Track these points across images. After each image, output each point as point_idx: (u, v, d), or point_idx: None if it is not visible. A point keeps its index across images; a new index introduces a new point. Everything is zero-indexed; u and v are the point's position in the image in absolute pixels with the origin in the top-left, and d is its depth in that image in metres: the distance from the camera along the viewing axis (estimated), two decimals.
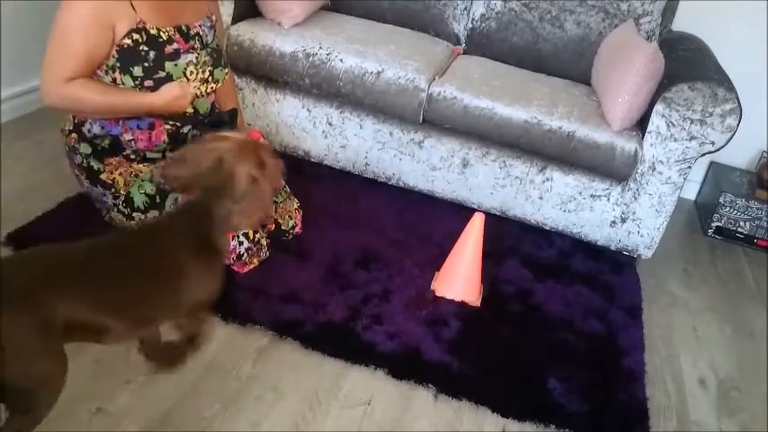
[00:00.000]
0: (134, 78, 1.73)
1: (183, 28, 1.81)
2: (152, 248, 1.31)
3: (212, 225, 1.33)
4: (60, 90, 1.69)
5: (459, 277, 1.96)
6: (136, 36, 1.70)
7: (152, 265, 1.29)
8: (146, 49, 1.72)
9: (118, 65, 1.72)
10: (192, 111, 1.86)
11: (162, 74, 1.75)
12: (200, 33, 1.85)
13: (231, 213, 1.33)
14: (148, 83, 1.74)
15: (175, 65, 1.77)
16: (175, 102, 1.77)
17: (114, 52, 1.70)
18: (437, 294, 1.98)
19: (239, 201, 1.32)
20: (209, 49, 1.88)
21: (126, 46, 1.70)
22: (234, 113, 1.97)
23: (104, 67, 1.73)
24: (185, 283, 1.31)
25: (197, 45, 1.83)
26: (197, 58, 1.82)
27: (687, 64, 2.24)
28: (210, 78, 1.88)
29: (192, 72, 1.81)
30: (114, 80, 1.74)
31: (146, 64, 1.73)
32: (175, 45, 1.77)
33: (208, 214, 1.33)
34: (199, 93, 1.86)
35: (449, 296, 1.97)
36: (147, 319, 1.32)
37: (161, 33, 1.75)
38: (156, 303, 1.30)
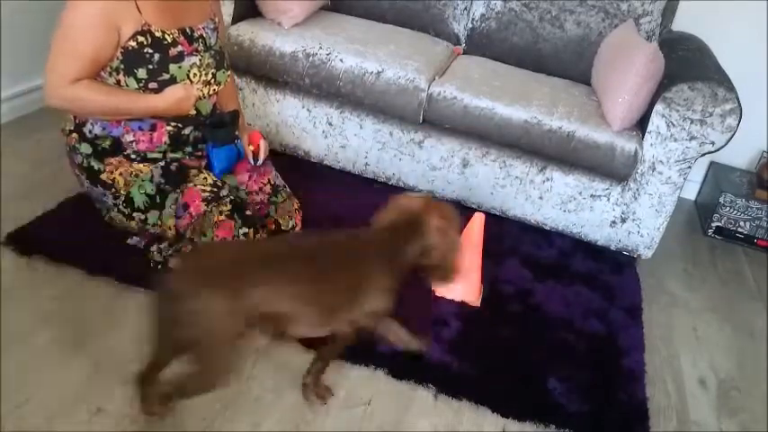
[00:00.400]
0: (138, 80, 1.73)
1: (188, 30, 1.81)
2: (348, 255, 1.45)
3: (400, 257, 1.48)
4: (64, 91, 1.69)
5: (460, 277, 1.95)
6: (141, 38, 1.71)
7: (344, 270, 1.43)
8: (150, 51, 1.72)
9: (122, 67, 1.72)
10: (195, 112, 1.87)
11: (166, 76, 1.75)
12: (204, 35, 1.85)
13: (423, 256, 1.49)
14: (152, 85, 1.75)
15: (179, 67, 1.77)
16: (179, 104, 1.77)
17: (119, 54, 1.70)
18: (437, 294, 1.98)
19: (431, 248, 1.48)
20: (213, 52, 1.88)
21: (130, 48, 1.70)
22: (235, 115, 1.97)
23: (108, 69, 1.73)
24: (364, 293, 1.44)
25: (200, 47, 1.83)
26: (200, 60, 1.82)
27: (687, 64, 2.24)
28: (213, 80, 1.89)
29: (195, 74, 1.81)
30: (118, 82, 1.74)
31: (150, 66, 1.73)
32: (179, 47, 1.77)
33: (401, 248, 1.48)
34: (201, 95, 1.86)
35: (449, 296, 1.97)
36: (329, 317, 1.43)
37: (165, 35, 1.75)
38: (338, 305, 1.43)
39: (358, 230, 1.54)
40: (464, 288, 1.96)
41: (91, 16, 1.64)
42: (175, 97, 1.76)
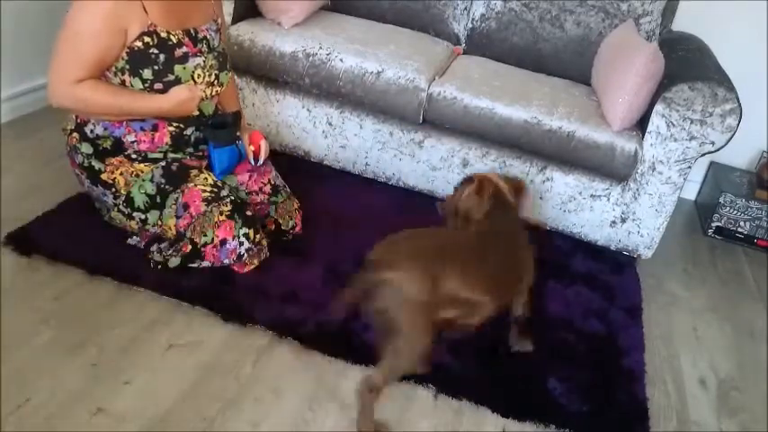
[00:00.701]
0: (143, 81, 1.73)
1: (192, 31, 1.81)
2: (507, 241, 1.67)
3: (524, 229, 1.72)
4: (69, 91, 1.69)
5: None
6: (147, 39, 1.71)
7: (509, 255, 1.65)
8: (156, 51, 1.72)
9: (127, 67, 1.72)
10: (197, 113, 1.87)
11: (171, 77, 1.76)
12: (208, 37, 1.86)
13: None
14: (158, 86, 1.75)
15: (184, 68, 1.77)
16: (183, 105, 1.78)
17: (124, 54, 1.71)
18: None
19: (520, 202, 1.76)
20: (216, 53, 1.88)
21: (136, 48, 1.70)
22: (237, 115, 1.98)
23: (113, 69, 1.73)
24: (524, 269, 1.70)
25: (204, 48, 1.84)
26: (204, 61, 1.83)
27: (687, 64, 2.24)
28: (216, 82, 1.89)
29: (199, 75, 1.82)
30: (123, 82, 1.74)
31: (155, 67, 1.73)
32: (184, 48, 1.78)
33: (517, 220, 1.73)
34: (204, 96, 1.86)
35: None
36: (505, 297, 1.65)
37: (171, 36, 1.75)
38: (510, 284, 1.66)
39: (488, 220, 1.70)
40: None
41: (97, 17, 1.64)
42: (179, 98, 1.76)
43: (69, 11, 1.66)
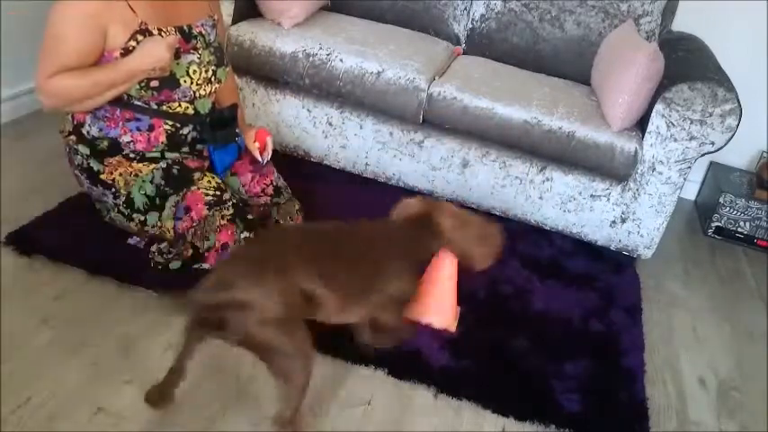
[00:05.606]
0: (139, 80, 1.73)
1: (185, 28, 1.81)
2: (371, 244, 1.56)
3: (417, 251, 1.66)
4: (47, 85, 1.68)
5: (433, 306, 1.83)
6: (140, 37, 1.71)
7: (366, 257, 1.53)
8: None
9: None
10: (193, 111, 1.86)
11: (165, 73, 1.75)
12: (203, 33, 1.85)
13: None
14: (154, 83, 1.74)
15: (178, 63, 1.77)
16: (153, 53, 1.69)
17: (118, 54, 1.70)
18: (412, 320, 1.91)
19: (449, 243, 1.69)
20: (212, 49, 1.88)
21: (131, 48, 1.70)
22: (234, 109, 1.96)
23: None
24: (383, 279, 1.54)
25: (199, 45, 1.83)
26: (200, 57, 1.82)
27: (687, 64, 2.24)
28: (214, 78, 1.88)
29: (195, 71, 1.81)
30: None
31: None
32: (176, 45, 1.77)
33: (418, 243, 1.66)
34: (203, 93, 1.86)
35: (424, 322, 1.84)
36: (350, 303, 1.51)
37: (162, 34, 1.74)
38: (358, 291, 1.52)
39: (379, 222, 1.65)
40: (438, 317, 1.85)
41: (74, 19, 1.64)
42: (144, 49, 1.70)
43: (50, 11, 1.65)
